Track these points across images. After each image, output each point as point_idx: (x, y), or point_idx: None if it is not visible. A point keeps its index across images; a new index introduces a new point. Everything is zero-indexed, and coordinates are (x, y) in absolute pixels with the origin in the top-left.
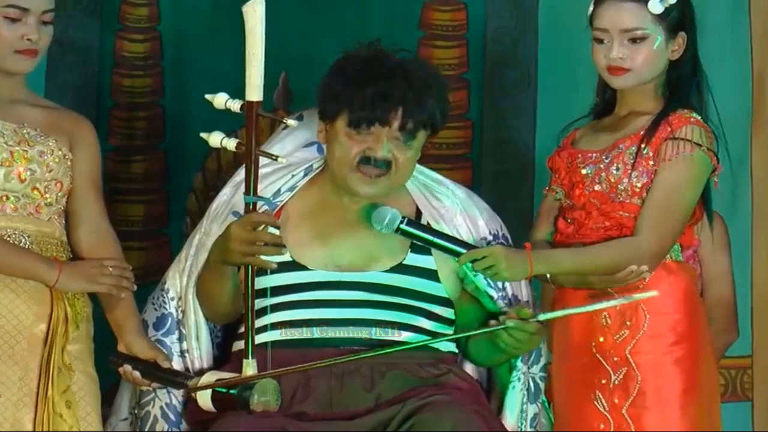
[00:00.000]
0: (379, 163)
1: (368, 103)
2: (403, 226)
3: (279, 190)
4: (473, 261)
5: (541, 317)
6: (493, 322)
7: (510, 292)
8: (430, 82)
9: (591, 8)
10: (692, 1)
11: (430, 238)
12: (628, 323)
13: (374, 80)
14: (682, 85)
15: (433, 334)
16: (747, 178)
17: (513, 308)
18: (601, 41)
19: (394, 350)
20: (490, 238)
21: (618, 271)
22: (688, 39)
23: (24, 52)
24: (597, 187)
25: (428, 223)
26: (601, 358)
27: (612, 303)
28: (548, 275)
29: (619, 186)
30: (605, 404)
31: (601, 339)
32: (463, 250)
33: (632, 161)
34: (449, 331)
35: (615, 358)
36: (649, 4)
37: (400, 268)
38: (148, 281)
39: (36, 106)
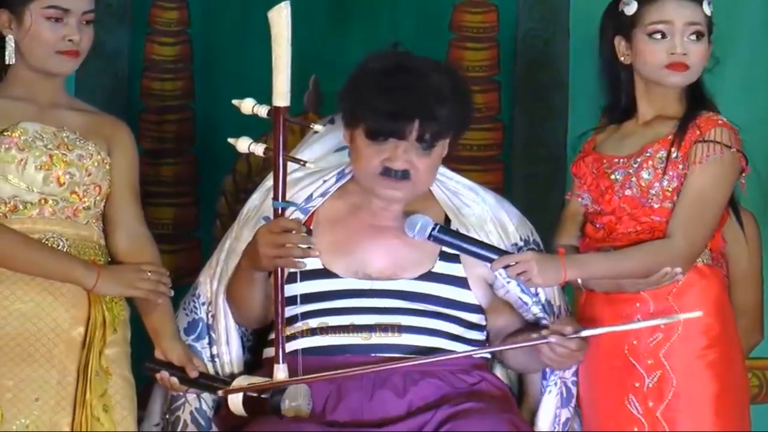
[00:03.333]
0: (399, 173)
1: (383, 117)
2: (435, 233)
3: (311, 195)
4: (506, 267)
5: (584, 333)
6: (534, 335)
7: (543, 298)
8: (447, 90)
9: (633, 7)
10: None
11: (463, 244)
12: (662, 326)
13: (390, 93)
14: (701, 89)
15: (465, 340)
16: None
17: (556, 322)
18: (662, 35)
19: (427, 360)
20: (521, 244)
21: (651, 274)
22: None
23: (66, 53)
24: (628, 192)
25: (458, 230)
26: (634, 361)
27: (656, 322)
28: (579, 279)
29: (650, 190)
30: (639, 407)
31: (635, 342)
32: (496, 256)
33: (663, 165)
34: (481, 337)
35: (649, 361)
36: (704, 5)
37: (430, 276)
38: (178, 284)
39: (75, 110)
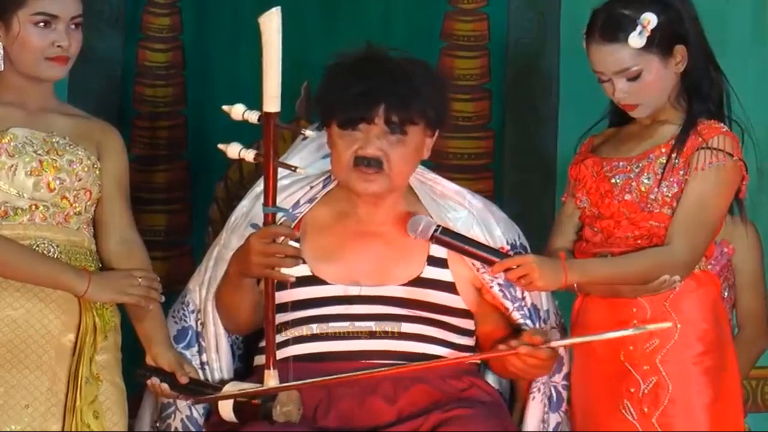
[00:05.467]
0: (372, 162)
1: (351, 102)
2: (437, 235)
3: (298, 201)
4: (506, 270)
5: (554, 344)
6: (502, 346)
7: (529, 303)
8: (417, 78)
9: (584, 44)
10: (697, 11)
11: (465, 246)
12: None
13: (357, 80)
14: (699, 91)
15: (455, 346)
16: None
17: (526, 332)
18: (603, 81)
19: (415, 366)
20: (508, 247)
21: (650, 280)
22: (690, 44)
23: (55, 59)
24: (627, 197)
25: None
26: (630, 367)
27: (626, 332)
28: (575, 284)
29: (650, 196)
30: (634, 413)
31: (631, 348)
32: (497, 259)
33: (662, 171)
34: (470, 342)
35: (645, 367)
36: (630, 41)
37: (418, 282)
38: (170, 291)
39: (65, 115)
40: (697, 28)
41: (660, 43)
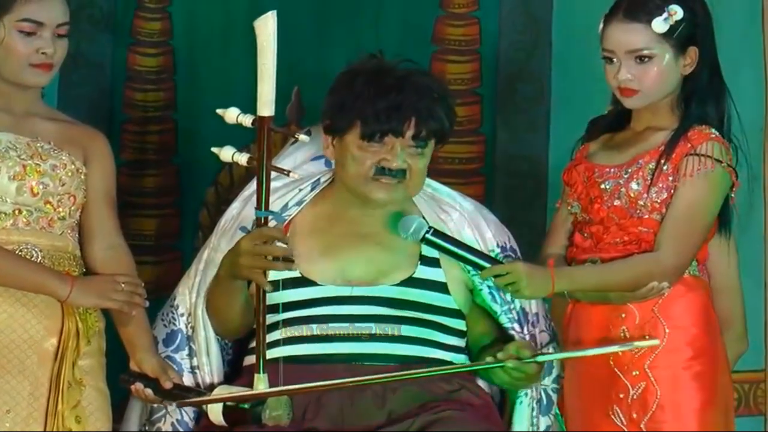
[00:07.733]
0: (395, 173)
1: (382, 115)
2: (428, 236)
3: (287, 204)
4: (495, 276)
5: (540, 359)
6: (489, 359)
7: (518, 306)
8: (438, 91)
9: (601, 26)
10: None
11: (455, 249)
12: (647, 337)
13: (385, 92)
14: (698, 99)
15: (446, 347)
16: (760, 193)
17: (512, 345)
18: (610, 60)
19: (404, 375)
20: (498, 250)
21: (639, 287)
22: (702, 51)
23: (39, 65)
24: (616, 202)
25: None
26: (619, 372)
27: (612, 349)
28: (565, 291)
29: (639, 201)
30: (623, 419)
31: (620, 353)
32: (487, 264)
33: (651, 177)
34: (461, 343)
35: (634, 372)
36: (653, 24)
37: (411, 282)
38: (160, 296)
39: (50, 120)
40: (710, 39)
41: (678, 36)
